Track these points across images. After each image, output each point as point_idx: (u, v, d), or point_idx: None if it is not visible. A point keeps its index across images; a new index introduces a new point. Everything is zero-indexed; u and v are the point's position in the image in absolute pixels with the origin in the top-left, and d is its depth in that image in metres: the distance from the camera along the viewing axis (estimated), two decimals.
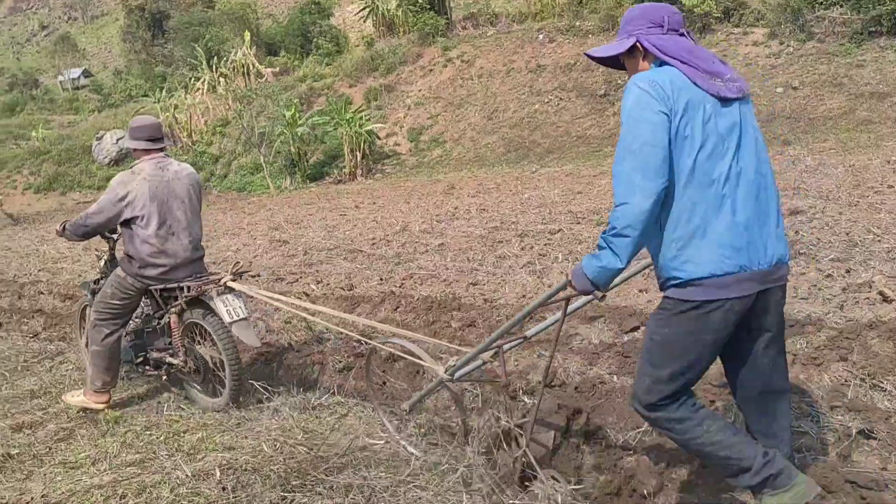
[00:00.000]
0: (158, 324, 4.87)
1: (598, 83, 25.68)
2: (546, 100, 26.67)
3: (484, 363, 3.27)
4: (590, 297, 2.65)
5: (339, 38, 38.17)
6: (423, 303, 5.69)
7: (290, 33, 40.34)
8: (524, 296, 5.60)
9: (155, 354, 4.86)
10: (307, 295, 6.52)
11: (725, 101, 2.50)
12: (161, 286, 4.59)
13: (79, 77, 67.45)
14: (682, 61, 2.50)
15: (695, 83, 2.46)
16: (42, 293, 8.76)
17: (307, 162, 28.21)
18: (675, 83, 2.45)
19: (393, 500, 3.08)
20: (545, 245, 7.65)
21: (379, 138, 28.18)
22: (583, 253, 7.33)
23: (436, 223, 10.36)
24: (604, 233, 2.49)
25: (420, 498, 3.08)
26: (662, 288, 2.61)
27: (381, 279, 6.83)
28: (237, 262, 4.69)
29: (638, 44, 2.62)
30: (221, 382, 4.54)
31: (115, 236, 5.04)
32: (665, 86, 2.43)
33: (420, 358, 3.54)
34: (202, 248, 4.84)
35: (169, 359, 4.74)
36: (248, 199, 25.36)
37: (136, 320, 4.99)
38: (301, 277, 7.30)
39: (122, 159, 36.14)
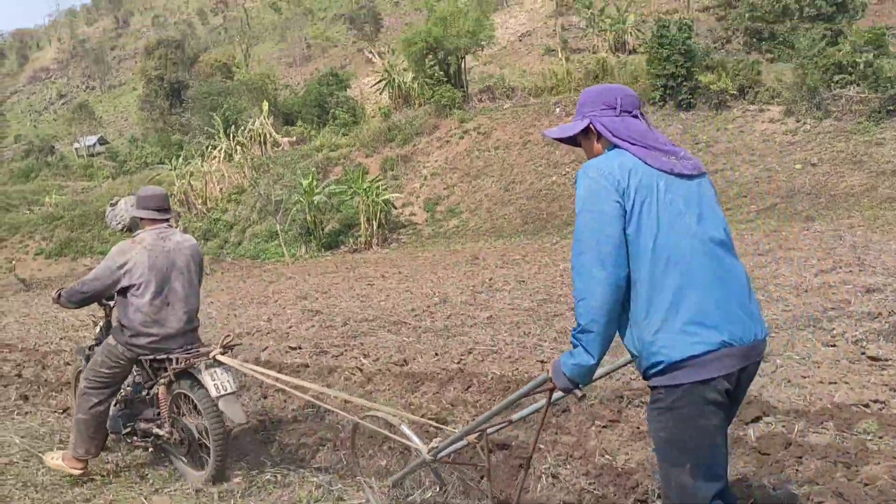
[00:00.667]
0: (147, 394, 4.77)
1: None
2: (563, 172, 26.78)
3: (469, 445, 3.27)
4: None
5: (356, 108, 38.70)
6: (497, 382, 5.40)
7: (308, 104, 40.97)
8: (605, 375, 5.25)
9: (143, 425, 4.76)
10: (360, 371, 6.26)
11: (681, 178, 2.47)
12: (151, 356, 4.51)
13: (94, 144, 68.39)
14: (631, 143, 2.48)
15: (646, 163, 2.44)
16: (68, 364, 8.47)
17: (323, 230, 28.20)
18: (624, 166, 2.43)
19: None
20: None
21: (395, 208, 28.22)
22: None
23: (476, 294, 10.25)
24: (574, 330, 2.46)
25: None
26: (646, 377, 2.51)
27: (437, 354, 6.60)
28: (227, 335, 4.58)
29: (591, 126, 2.60)
30: (207, 455, 4.47)
31: (111, 303, 4.96)
32: (614, 171, 2.41)
33: (404, 435, 3.53)
34: (197, 320, 4.76)
35: (156, 430, 4.65)
36: (263, 267, 25.22)
37: (127, 389, 4.89)
38: (346, 350, 7.05)
39: (135, 226, 36.14)
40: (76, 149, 68.35)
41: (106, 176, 51.43)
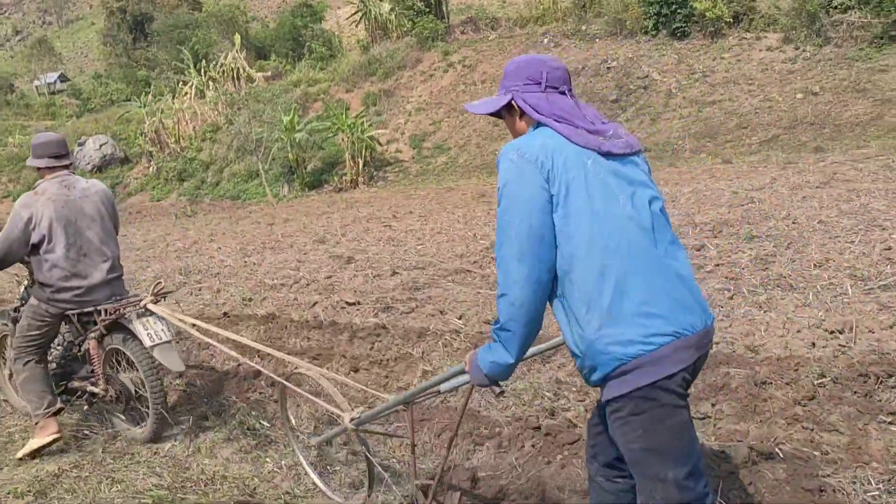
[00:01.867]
0: (79, 351, 4.65)
1: (609, 88, 25.04)
2: None
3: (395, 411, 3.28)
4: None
5: (333, 41, 37.15)
6: None
7: (281, 37, 39.32)
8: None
9: (76, 383, 4.67)
10: (458, 334, 5.46)
11: (610, 157, 2.30)
12: (78, 310, 4.38)
13: (55, 82, 65.74)
14: (556, 120, 2.32)
15: (571, 141, 2.27)
16: None
17: (305, 169, 27.16)
18: (547, 146, 2.25)
19: None
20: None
21: (381, 144, 27.24)
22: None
23: None
24: (493, 324, 2.33)
25: None
26: (593, 382, 2.30)
27: None
28: (158, 283, 4.48)
29: (513, 102, 2.44)
30: (146, 411, 4.38)
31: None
32: (536, 152, 2.24)
33: (331, 399, 3.47)
34: (120, 267, 4.62)
35: (90, 388, 4.54)
36: (247, 207, 24.29)
37: (58, 348, 4.78)
38: (417, 307, 6.18)
39: (106, 165, 34.90)
40: (36, 87, 65.75)
41: (69, 115, 49.42)
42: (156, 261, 11.13)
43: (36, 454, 4.39)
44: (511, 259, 2.20)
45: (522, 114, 2.44)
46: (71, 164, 4.51)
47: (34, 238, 4.26)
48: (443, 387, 3.04)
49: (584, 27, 28.21)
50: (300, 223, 14.80)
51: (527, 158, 2.23)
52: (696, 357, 2.22)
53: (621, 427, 2.26)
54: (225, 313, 6.67)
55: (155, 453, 4.30)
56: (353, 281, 7.43)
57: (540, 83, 2.40)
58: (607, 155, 2.30)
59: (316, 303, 6.67)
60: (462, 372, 2.67)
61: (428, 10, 33.50)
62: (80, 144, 34.99)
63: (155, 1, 48.94)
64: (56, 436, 4.37)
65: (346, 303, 6.40)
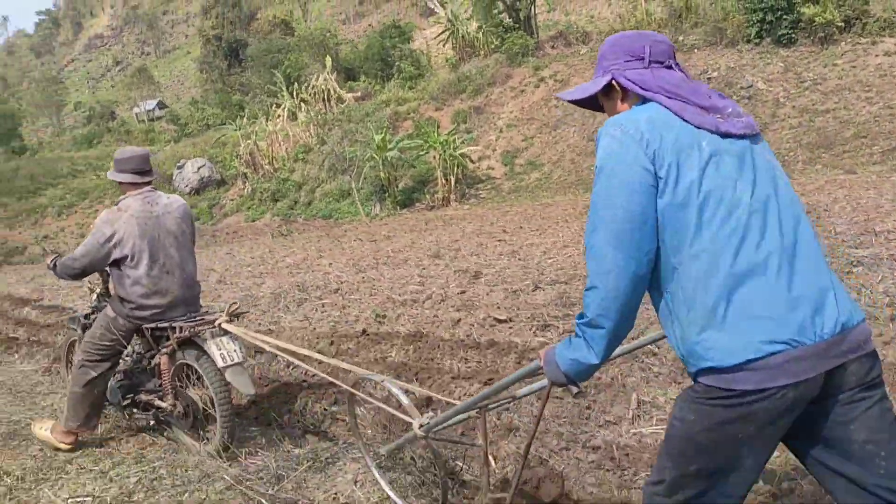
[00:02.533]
0: (149, 364, 4.63)
1: None
2: None
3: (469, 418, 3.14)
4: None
5: (421, 60, 37.27)
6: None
7: (370, 58, 39.71)
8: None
9: (143, 397, 4.62)
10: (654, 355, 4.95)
11: (728, 138, 2.01)
12: (153, 325, 4.36)
13: (154, 108, 68.52)
14: (666, 95, 2.05)
15: (682, 118, 1.99)
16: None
17: (397, 187, 27.08)
18: (654, 121, 1.99)
19: None
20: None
21: (472, 161, 26.93)
22: None
23: None
24: (577, 317, 2.08)
25: None
26: (693, 377, 2.04)
27: None
28: (234, 303, 4.37)
29: (614, 82, 2.17)
30: (212, 427, 4.33)
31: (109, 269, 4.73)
32: (641, 127, 1.97)
33: (399, 406, 3.30)
34: (197, 284, 4.62)
35: (158, 402, 4.51)
36: (341, 226, 24.31)
37: (126, 359, 4.75)
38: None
39: (203, 187, 35.87)
40: (136, 113, 68.69)
41: (168, 140, 51.25)
42: (269, 276, 10.99)
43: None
44: (605, 246, 1.96)
45: (625, 95, 2.18)
46: (152, 180, 4.49)
47: (116, 255, 4.24)
48: (519, 391, 2.88)
49: (681, 38, 27.28)
50: (406, 239, 14.50)
51: (630, 134, 1.98)
52: (820, 369, 1.89)
53: (682, 401, 2.04)
54: (364, 331, 6.27)
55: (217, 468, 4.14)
56: (492, 296, 6.97)
57: (643, 58, 2.14)
58: (725, 136, 2.01)
59: (460, 320, 6.23)
60: (538, 370, 2.41)
61: (517, 26, 33.19)
62: (180, 167, 36.08)
63: (249, 28, 50.43)
64: (67, 447, 4.38)
65: (497, 319, 5.94)
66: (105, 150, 51.43)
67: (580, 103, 2.36)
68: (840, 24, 23.86)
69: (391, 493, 3.51)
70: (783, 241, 1.95)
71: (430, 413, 3.16)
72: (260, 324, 7.26)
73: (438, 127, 28.27)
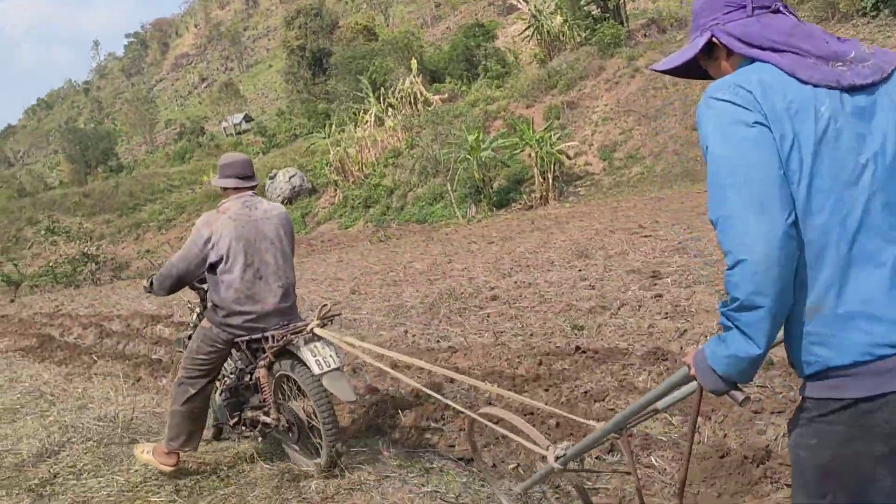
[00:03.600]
0: (250, 379, 4.49)
1: None
2: None
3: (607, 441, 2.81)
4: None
5: (507, 58, 36.57)
6: None
7: (454, 59, 39.29)
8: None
9: (250, 413, 4.48)
10: None
11: (853, 93, 1.68)
12: (248, 336, 4.24)
13: (240, 122, 70.02)
14: (776, 50, 1.74)
15: (796, 77, 1.68)
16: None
17: (492, 188, 26.46)
18: (765, 83, 1.69)
19: None
20: None
21: (569, 158, 26.08)
22: None
23: None
24: (722, 305, 1.74)
25: None
26: (799, 374, 1.81)
27: None
28: (324, 305, 4.22)
29: (715, 39, 1.86)
30: (319, 440, 4.14)
31: (204, 286, 4.66)
32: (753, 88, 1.68)
33: (527, 437, 3.02)
34: (294, 295, 4.42)
35: (262, 417, 4.35)
36: (438, 230, 23.86)
37: (231, 376, 4.63)
38: None
39: (295, 196, 36.12)
40: (224, 128, 70.35)
41: (256, 151, 52.14)
42: (406, 284, 10.49)
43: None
44: (744, 212, 1.66)
45: (729, 53, 1.89)
46: (255, 185, 4.40)
47: (212, 257, 4.14)
48: (660, 403, 2.50)
49: None
50: (534, 239, 13.79)
51: (737, 94, 1.71)
52: None
53: (798, 427, 1.84)
54: (577, 348, 5.42)
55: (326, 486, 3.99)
56: (697, 299, 6.23)
57: (745, 6, 1.85)
58: (849, 91, 1.70)
59: (685, 331, 5.46)
60: (685, 379, 2.11)
61: (606, 16, 32.11)
62: (272, 178, 36.45)
63: (332, 36, 50.81)
64: (170, 469, 4.28)
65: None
66: (197, 165, 52.75)
67: (678, 72, 2.05)
68: (866, 4, 22.02)
69: None
70: None
71: (566, 443, 2.82)
72: (430, 341, 6.65)
73: (531, 124, 27.49)
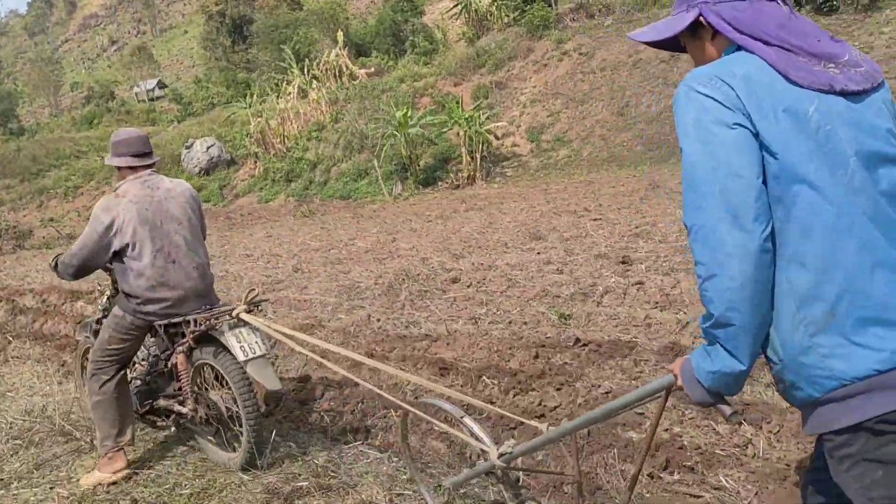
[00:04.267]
0: (166, 366, 4.29)
1: None
2: None
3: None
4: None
5: (435, 35, 36.13)
6: None
7: (381, 33, 38.55)
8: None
9: (162, 402, 4.29)
10: None
11: (845, 97, 1.63)
12: (165, 321, 4.02)
13: (154, 88, 67.15)
14: (766, 42, 1.66)
15: (786, 77, 1.61)
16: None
17: (418, 166, 26.10)
18: (751, 79, 1.62)
19: None
20: None
21: (497, 138, 25.97)
22: None
23: None
24: (702, 320, 1.70)
25: None
26: (796, 402, 1.71)
27: None
28: (252, 289, 4.02)
29: (702, 18, 1.78)
30: (239, 433, 3.97)
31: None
32: (737, 84, 1.61)
33: (470, 432, 2.96)
34: (210, 274, 4.25)
35: (177, 407, 4.17)
36: (365, 206, 23.39)
37: (143, 363, 4.44)
38: None
39: (213, 168, 34.85)
40: (136, 93, 67.34)
41: (170, 119, 50.04)
42: (353, 263, 10.00)
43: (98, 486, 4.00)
44: (718, 223, 1.60)
45: (715, 34, 1.81)
46: (154, 163, 4.16)
47: (116, 245, 3.91)
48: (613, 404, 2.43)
49: None
50: (477, 219, 13.47)
51: (718, 88, 1.63)
52: None
53: (851, 469, 1.63)
54: (577, 339, 5.04)
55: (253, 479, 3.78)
56: (683, 287, 6.00)
57: None
58: (842, 94, 1.64)
59: (687, 323, 5.17)
60: (667, 387, 2.00)
61: None
62: (188, 147, 35.06)
63: (254, 3, 49.08)
64: (123, 473, 3.98)
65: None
66: (107, 131, 50.15)
67: (658, 44, 1.97)
68: None
69: None
70: None
71: (512, 441, 2.75)
72: (398, 327, 6.19)
73: (461, 103, 27.24)
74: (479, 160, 24.77)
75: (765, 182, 1.63)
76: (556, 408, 3.98)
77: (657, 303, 5.82)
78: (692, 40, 1.88)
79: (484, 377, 4.50)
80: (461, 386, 4.44)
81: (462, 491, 3.35)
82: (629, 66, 26.68)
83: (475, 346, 5.21)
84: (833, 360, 1.59)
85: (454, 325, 5.97)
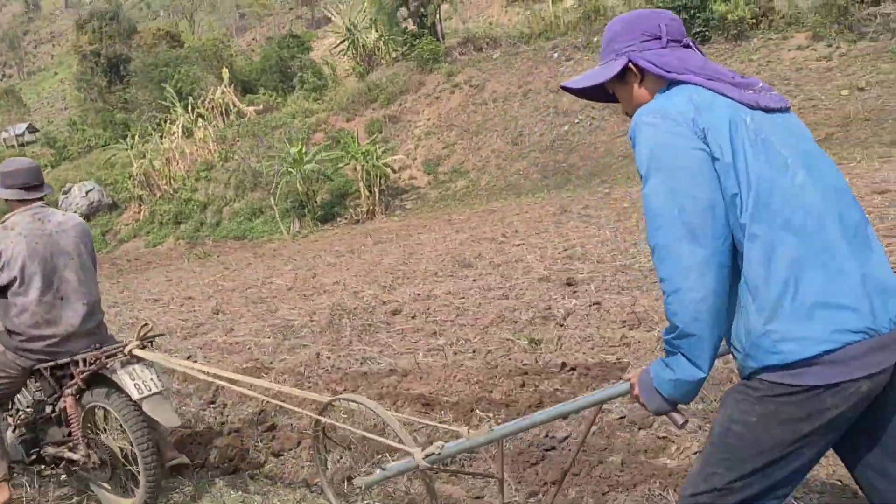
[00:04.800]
0: (53, 411, 4.07)
1: None
2: (576, 120, 24.76)
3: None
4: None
5: (324, 71, 35.81)
6: None
7: (268, 70, 37.83)
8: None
9: (50, 450, 4.04)
10: None
11: (769, 113, 1.90)
12: (52, 362, 3.83)
13: (23, 133, 63.42)
14: (695, 74, 1.91)
15: (724, 94, 1.86)
16: None
17: (315, 202, 25.56)
18: (696, 101, 1.85)
19: None
20: None
21: (394, 171, 25.82)
22: None
23: None
24: (665, 332, 1.88)
25: None
26: (748, 377, 1.87)
27: None
28: (145, 324, 3.87)
29: (631, 65, 2.01)
30: (135, 478, 3.78)
31: None
32: (684, 109, 1.82)
33: (394, 433, 2.98)
34: (101, 311, 4.08)
35: (68, 454, 3.92)
36: (263, 246, 22.61)
37: (27, 410, 4.19)
38: None
39: (94, 213, 33.03)
40: (4, 139, 63.36)
41: (45, 164, 47.22)
42: (279, 301, 9.41)
43: None
44: (678, 242, 1.78)
45: (643, 78, 2.02)
46: (44, 196, 3.97)
47: (2, 279, 3.73)
48: (538, 415, 2.52)
49: (595, 39, 27.18)
50: (392, 251, 13.13)
51: (674, 118, 1.82)
52: (894, 360, 1.77)
53: (739, 402, 1.87)
54: (563, 364, 4.82)
55: None
56: (654, 305, 5.85)
57: (660, 37, 1.99)
58: (766, 111, 1.90)
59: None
60: (624, 394, 2.16)
61: (423, 32, 32.32)
62: (65, 192, 33.12)
63: (130, 42, 47.22)
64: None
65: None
66: None
67: (585, 94, 2.19)
68: (751, 20, 24.34)
69: None
70: (843, 223, 1.82)
71: (440, 443, 2.72)
72: (353, 363, 5.80)
73: (356, 137, 26.98)
74: (377, 194, 24.52)
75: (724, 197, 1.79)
76: (565, 438, 3.72)
77: (624, 321, 5.69)
78: (621, 85, 2.06)
79: (476, 410, 4.21)
80: (452, 422, 4.14)
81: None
82: (520, 97, 27.21)
83: (451, 379, 4.92)
84: (785, 343, 1.74)
85: (416, 358, 5.66)
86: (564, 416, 2.40)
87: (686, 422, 2.01)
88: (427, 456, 2.73)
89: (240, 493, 3.86)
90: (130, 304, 11.81)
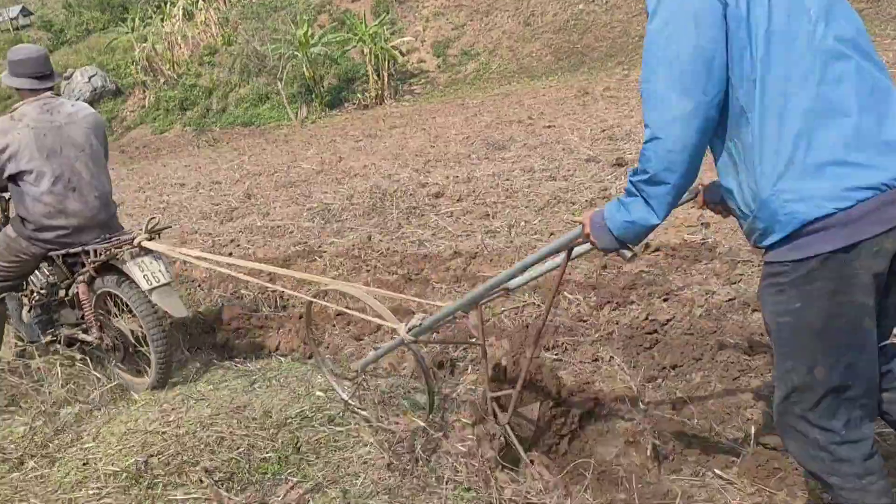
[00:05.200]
0: (66, 295, 4.27)
1: None
2: None
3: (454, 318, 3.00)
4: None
5: None
6: None
7: None
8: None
9: (66, 331, 4.26)
10: None
11: None
12: (63, 251, 4.00)
13: (17, 16, 61.55)
14: None
15: None
16: None
17: (322, 87, 25.08)
18: None
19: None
20: None
21: (402, 54, 25.17)
22: None
23: None
24: (632, 174, 1.90)
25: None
26: (764, 246, 1.87)
27: None
28: (152, 218, 4.00)
29: None
30: (147, 359, 4.01)
31: (6, 195, 4.38)
32: None
33: (376, 313, 3.06)
34: (113, 203, 4.21)
35: (82, 335, 4.18)
36: (273, 132, 22.40)
37: (41, 291, 4.33)
38: None
39: (98, 99, 32.49)
40: None
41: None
42: (307, 185, 9.33)
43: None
44: (668, 91, 1.76)
45: None
46: (53, 85, 4.02)
47: (11, 170, 3.82)
48: (513, 283, 2.66)
49: None
50: (416, 135, 12.83)
51: None
52: None
53: (776, 293, 1.86)
54: (648, 245, 4.68)
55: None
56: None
57: None
58: None
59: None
60: (578, 238, 2.19)
61: None
62: (67, 78, 32.44)
63: None
64: None
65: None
66: None
67: None
68: None
69: (363, 413, 3.17)
70: (864, 75, 1.76)
71: (420, 315, 2.85)
72: (410, 246, 5.74)
73: (364, 19, 26.15)
74: (386, 79, 23.99)
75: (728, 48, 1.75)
76: (668, 321, 3.70)
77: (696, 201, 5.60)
78: None
79: (564, 293, 4.19)
80: (540, 303, 4.11)
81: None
82: None
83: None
84: (795, 203, 1.72)
85: (474, 241, 5.61)
86: (528, 268, 2.45)
87: (634, 255, 2.09)
88: (410, 329, 2.84)
89: (244, 378, 4.02)
90: (156, 188, 11.79)
